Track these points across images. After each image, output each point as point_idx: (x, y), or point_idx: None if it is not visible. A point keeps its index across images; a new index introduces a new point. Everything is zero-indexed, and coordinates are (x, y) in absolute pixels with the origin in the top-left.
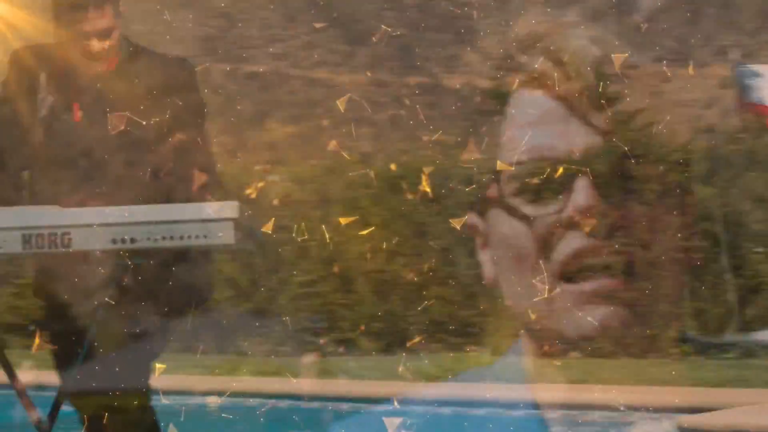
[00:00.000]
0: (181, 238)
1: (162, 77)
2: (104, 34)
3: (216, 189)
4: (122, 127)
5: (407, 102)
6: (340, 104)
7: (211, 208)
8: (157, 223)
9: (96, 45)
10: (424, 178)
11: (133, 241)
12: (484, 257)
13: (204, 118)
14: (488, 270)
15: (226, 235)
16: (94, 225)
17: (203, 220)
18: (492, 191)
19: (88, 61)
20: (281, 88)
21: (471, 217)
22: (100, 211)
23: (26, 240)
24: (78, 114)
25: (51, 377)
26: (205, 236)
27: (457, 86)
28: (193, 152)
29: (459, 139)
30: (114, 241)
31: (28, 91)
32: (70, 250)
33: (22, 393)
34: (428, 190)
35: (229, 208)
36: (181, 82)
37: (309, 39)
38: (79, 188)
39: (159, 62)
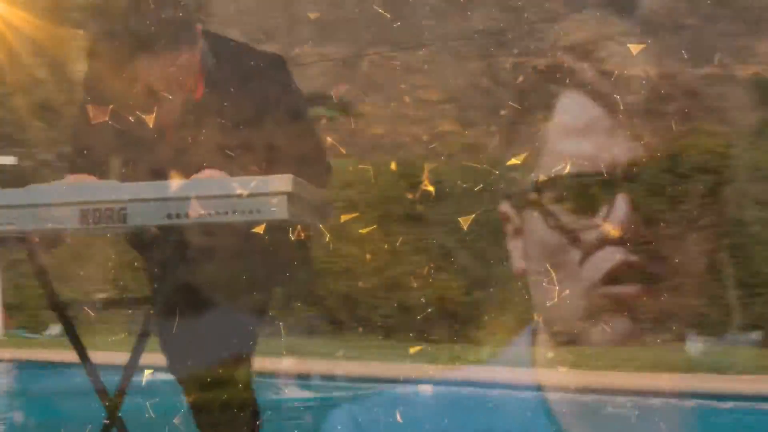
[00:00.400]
0: (234, 212)
1: (253, 85)
2: (179, 75)
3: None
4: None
5: (697, 93)
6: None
7: (264, 182)
8: (211, 197)
9: (173, 86)
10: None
11: (186, 216)
12: (514, 246)
13: (304, 114)
14: (517, 261)
15: (279, 210)
16: (149, 199)
17: (257, 194)
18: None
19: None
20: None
21: (504, 206)
22: (156, 185)
23: (83, 215)
24: (168, 137)
25: (120, 357)
26: (258, 211)
27: (748, 76)
28: (297, 151)
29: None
30: (169, 216)
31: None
32: (126, 225)
33: (92, 372)
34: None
35: (281, 182)
36: (273, 80)
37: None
38: None
39: (246, 68)
